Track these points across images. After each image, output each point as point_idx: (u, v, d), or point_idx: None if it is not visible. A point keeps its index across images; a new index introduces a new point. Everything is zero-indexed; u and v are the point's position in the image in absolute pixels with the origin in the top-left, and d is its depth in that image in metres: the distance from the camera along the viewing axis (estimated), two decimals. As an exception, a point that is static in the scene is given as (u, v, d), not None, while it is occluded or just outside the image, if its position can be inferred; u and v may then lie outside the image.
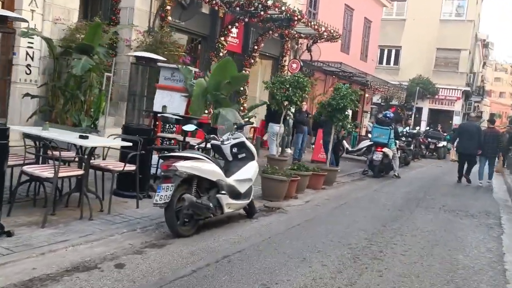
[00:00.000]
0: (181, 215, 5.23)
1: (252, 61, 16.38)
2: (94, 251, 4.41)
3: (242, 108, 13.71)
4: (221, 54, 14.62)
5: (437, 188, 12.26)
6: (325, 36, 18.34)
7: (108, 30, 9.79)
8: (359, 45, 26.15)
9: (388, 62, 37.65)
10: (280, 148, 12.44)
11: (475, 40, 40.04)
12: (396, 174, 13.64)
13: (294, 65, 18.34)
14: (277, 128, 11.87)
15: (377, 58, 36.81)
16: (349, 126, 10.92)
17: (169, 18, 12.72)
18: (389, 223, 7.16)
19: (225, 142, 6.21)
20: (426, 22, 35.05)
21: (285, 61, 18.50)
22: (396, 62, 37.34)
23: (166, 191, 5.06)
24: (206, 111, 10.95)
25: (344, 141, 17.58)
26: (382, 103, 32.85)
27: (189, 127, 6.20)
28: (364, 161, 14.69)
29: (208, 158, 5.60)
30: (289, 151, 15.69)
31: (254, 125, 14.55)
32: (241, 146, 6.23)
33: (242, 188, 6.14)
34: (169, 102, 8.41)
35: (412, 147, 19.58)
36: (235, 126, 6.28)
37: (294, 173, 8.85)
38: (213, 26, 14.82)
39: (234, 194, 5.98)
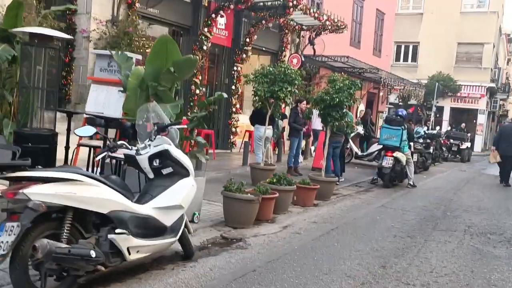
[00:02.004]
0: (43, 272, 3.26)
1: (244, 55, 14.41)
2: None
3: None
4: (205, 47, 12.72)
5: (461, 200, 10.05)
6: (329, 27, 16.30)
7: (40, 12, 7.91)
8: (371, 39, 23.94)
9: (405, 59, 35.34)
10: (273, 154, 10.42)
11: (499, 33, 37.35)
12: (411, 183, 11.46)
13: (295, 60, 16.31)
14: (264, 131, 9.88)
15: (393, 55, 34.55)
16: (347, 126, 8.84)
17: (137, 5, 10.85)
18: (392, 262, 5.07)
19: (141, 152, 4.23)
20: (445, 15, 32.69)
21: (284, 56, 16.48)
22: (414, 58, 35.00)
23: (8, 234, 3.10)
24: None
25: (353, 145, 15.52)
26: (399, 103, 30.39)
27: (84, 131, 4.22)
28: (376, 167, 12.52)
29: (96, 179, 3.62)
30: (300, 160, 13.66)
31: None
32: (164, 157, 4.23)
33: (167, 220, 4.15)
34: (105, 98, 6.51)
35: (431, 150, 17.31)
36: (155, 128, 4.30)
37: (272, 188, 6.83)
38: (196, 16, 12.93)
39: (151, 229, 4.00)
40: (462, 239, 6.37)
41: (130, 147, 4.23)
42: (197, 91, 12.77)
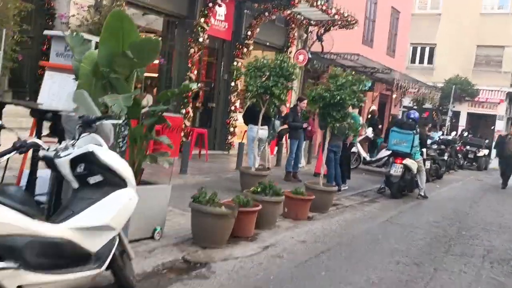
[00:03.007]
0: None
1: (246, 50, 13.35)
2: None
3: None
4: (200, 39, 11.71)
5: (478, 215, 8.91)
6: (339, 23, 15.20)
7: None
8: (385, 38, 22.76)
9: (421, 61, 34.01)
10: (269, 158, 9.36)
11: (521, 36, 35.80)
12: (422, 194, 10.32)
13: (301, 57, 15.25)
14: (259, 132, 8.84)
15: (409, 56, 33.30)
16: (349, 128, 7.76)
17: (125, -11, 9.90)
18: (392, 300, 4.00)
19: (61, 154, 3.21)
20: (464, 16, 31.28)
21: (290, 52, 15.38)
22: (431, 61, 33.64)
23: None
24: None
25: (361, 149, 14.40)
26: (414, 106, 29.05)
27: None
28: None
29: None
30: (301, 164, 12.58)
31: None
32: (91, 161, 3.21)
33: (92, 244, 3.13)
34: (59, 88, 5.53)
35: (446, 157, 16.09)
36: (79, 123, 3.29)
37: (255, 199, 5.79)
38: (192, 5, 11.90)
39: (67, 258, 2.99)
40: (480, 268, 5.27)
41: (45, 146, 3.22)
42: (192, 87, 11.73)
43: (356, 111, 10.32)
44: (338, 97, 7.22)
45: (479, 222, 8.13)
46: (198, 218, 4.98)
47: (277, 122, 9.35)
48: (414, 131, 9.78)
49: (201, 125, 13.99)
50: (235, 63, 13.19)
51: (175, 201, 5.58)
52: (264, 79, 8.04)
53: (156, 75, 13.58)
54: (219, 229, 4.96)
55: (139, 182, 4.94)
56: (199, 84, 12.21)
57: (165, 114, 11.07)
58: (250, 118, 8.89)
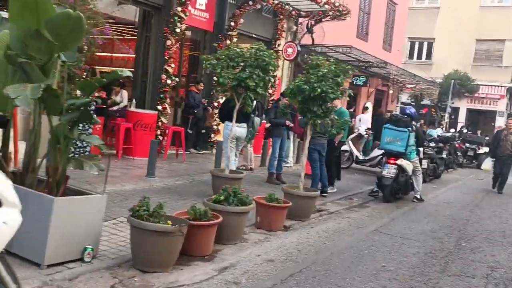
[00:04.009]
0: None
1: (229, 42, 12.40)
2: None
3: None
4: (178, 30, 10.78)
5: (480, 222, 8.00)
6: (330, 13, 14.28)
7: None
8: (381, 31, 21.84)
9: (419, 57, 33.13)
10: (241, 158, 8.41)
11: (522, 30, 34.86)
12: (418, 197, 9.41)
13: (290, 50, 14.34)
14: (236, 130, 7.93)
15: (407, 51, 32.42)
16: (332, 125, 6.83)
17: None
18: None
19: None
20: (463, 10, 30.39)
21: (278, 45, 14.48)
22: (429, 56, 32.75)
23: None
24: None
25: (353, 147, 13.49)
26: (412, 102, 28.15)
27: None
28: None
29: None
30: (289, 163, 11.68)
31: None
32: None
33: None
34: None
35: (444, 155, 15.16)
36: None
37: (215, 209, 4.88)
38: (169, -7, 10.98)
39: None
40: (483, 293, 4.36)
41: None
42: (169, 81, 10.84)
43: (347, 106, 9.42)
44: (319, 90, 6.30)
45: (481, 231, 7.21)
46: (137, 236, 4.06)
47: (257, 119, 8.42)
48: (410, 129, 8.86)
49: (183, 123, 13.09)
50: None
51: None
52: (238, 70, 7.13)
53: (132, 69, 12.69)
54: (163, 249, 4.04)
55: (64, 192, 4.02)
56: (176, 79, 11.34)
57: (137, 110, 10.27)
58: (226, 114, 7.95)
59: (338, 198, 8.79)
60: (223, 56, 7.12)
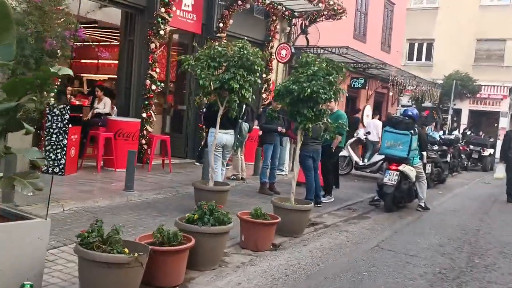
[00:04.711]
0: None
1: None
2: None
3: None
4: (161, 32, 10.12)
5: (492, 232, 7.27)
6: (325, 13, 13.63)
7: None
8: (379, 32, 21.19)
9: (419, 58, 32.49)
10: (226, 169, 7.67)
11: (523, 29, 34.22)
12: (423, 205, 8.68)
13: (284, 52, 13.67)
14: (222, 137, 7.23)
15: (406, 53, 31.77)
16: (325, 130, 6.12)
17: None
18: None
19: None
20: (463, 9, 29.78)
21: (272, 47, 13.82)
22: (429, 57, 32.11)
23: None
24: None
25: (352, 152, 12.79)
26: (412, 105, 27.45)
27: None
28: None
29: None
30: (284, 171, 11.02)
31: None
32: None
33: None
34: None
35: (448, 158, 14.44)
36: None
37: (188, 231, 4.17)
38: (152, -6, 10.33)
39: None
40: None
41: None
42: (153, 87, 10.16)
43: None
44: (309, 90, 5.60)
45: (494, 243, 6.48)
46: (86, 269, 3.36)
47: (245, 125, 7.71)
48: (412, 131, 8.15)
49: (172, 131, 12.43)
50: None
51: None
52: (220, 71, 6.45)
53: (114, 76, 12.07)
54: (117, 283, 3.33)
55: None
56: (161, 84, 10.65)
57: (118, 118, 9.58)
58: (211, 120, 7.24)
59: (335, 208, 8.09)
60: (203, 56, 6.43)
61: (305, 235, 6.06)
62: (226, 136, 7.37)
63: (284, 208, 5.91)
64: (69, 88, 10.50)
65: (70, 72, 3.17)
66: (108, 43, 13.80)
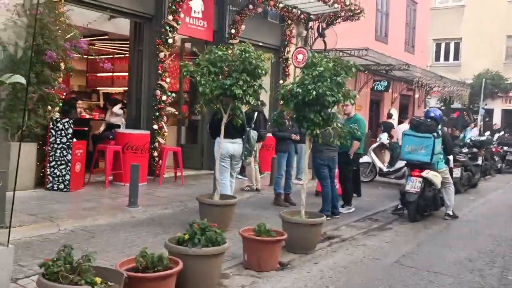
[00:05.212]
0: None
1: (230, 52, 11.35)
2: None
3: None
4: (170, 41, 9.83)
5: (528, 242, 6.58)
6: (342, 14, 13.12)
7: None
8: (402, 33, 20.53)
9: (446, 58, 31.54)
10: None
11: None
12: (450, 213, 8.03)
13: (300, 56, 13.17)
14: (228, 146, 6.81)
15: (433, 54, 30.84)
16: (338, 136, 5.60)
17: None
18: None
19: None
20: (490, 6, 28.79)
21: (288, 52, 13.39)
22: (457, 57, 31.12)
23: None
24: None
25: (375, 158, 12.18)
26: (441, 107, 26.48)
27: None
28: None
29: None
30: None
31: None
32: None
33: None
34: None
35: (480, 161, 13.63)
36: None
37: (177, 253, 3.74)
38: (159, 2, 10.04)
39: None
40: None
41: None
42: (164, 97, 9.85)
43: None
44: (314, 93, 5.12)
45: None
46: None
47: (253, 133, 7.25)
48: (435, 134, 7.55)
49: (188, 141, 12.12)
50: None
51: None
52: (221, 77, 6.04)
53: (125, 88, 11.86)
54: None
55: None
56: (173, 94, 10.29)
57: (126, 131, 9.27)
58: (216, 129, 6.81)
59: (355, 219, 7.54)
60: (203, 62, 6.03)
61: (318, 251, 5.55)
62: (233, 146, 6.92)
63: (293, 223, 5.42)
64: (80, 101, 10.25)
65: (22, 80, 2.81)
66: (122, 55, 13.63)
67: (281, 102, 5.64)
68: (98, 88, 15.28)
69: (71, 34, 7.54)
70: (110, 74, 14.47)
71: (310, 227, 5.48)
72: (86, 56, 12.26)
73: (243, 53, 5.92)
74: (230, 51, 6.23)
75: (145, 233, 5.82)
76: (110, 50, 13.57)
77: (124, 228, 5.98)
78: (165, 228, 6.13)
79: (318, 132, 5.39)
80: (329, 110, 5.41)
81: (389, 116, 15.83)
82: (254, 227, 4.86)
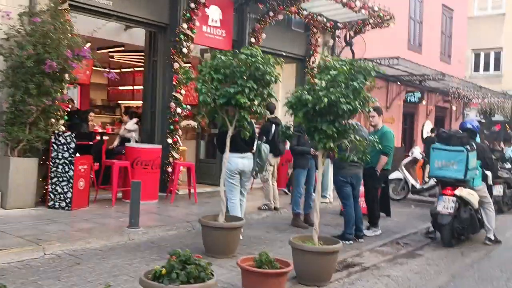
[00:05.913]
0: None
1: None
2: None
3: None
4: (185, 50, 9.33)
5: None
6: (370, 21, 12.37)
7: None
8: (437, 41, 19.51)
9: (486, 69, 29.99)
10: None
11: None
12: (491, 237, 7.09)
13: (326, 66, 12.43)
14: (238, 162, 6.18)
15: (472, 64, 29.46)
16: (355, 150, 4.86)
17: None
18: None
19: None
20: (533, 14, 27.31)
21: (313, 62, 12.70)
22: (497, 67, 29.56)
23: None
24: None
25: (408, 175, 11.29)
26: (481, 120, 25.07)
27: None
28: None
29: None
30: (328, 198, 9.84)
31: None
32: None
33: None
34: None
35: (525, 177, 12.46)
36: None
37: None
38: (174, 10, 9.57)
39: None
40: None
41: None
42: (179, 110, 9.34)
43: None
44: (326, 100, 4.42)
45: None
46: None
47: (265, 146, 6.57)
48: (468, 147, 6.68)
49: (207, 156, 11.57)
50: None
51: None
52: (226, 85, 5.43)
53: (139, 102, 11.44)
54: None
55: None
56: (188, 107, 9.77)
57: (135, 145, 8.77)
58: (224, 143, 6.16)
59: (380, 244, 6.72)
60: (205, 68, 5.43)
61: (333, 282, 4.80)
62: (243, 161, 6.27)
63: (304, 250, 4.69)
64: (92, 114, 9.83)
65: None
66: (142, 68, 13.26)
67: (290, 111, 4.91)
68: (119, 102, 14.98)
69: (75, 42, 7.10)
70: (131, 87, 14.16)
71: (324, 256, 4.73)
72: (98, 68, 11.97)
73: (249, 58, 5.28)
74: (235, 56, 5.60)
75: (139, 259, 5.20)
76: (129, 62, 13.24)
77: (117, 253, 5.38)
78: (163, 253, 5.46)
79: (332, 145, 4.66)
80: (345, 120, 4.68)
81: (432, 130, 14.86)
82: (255, 257, 4.17)
